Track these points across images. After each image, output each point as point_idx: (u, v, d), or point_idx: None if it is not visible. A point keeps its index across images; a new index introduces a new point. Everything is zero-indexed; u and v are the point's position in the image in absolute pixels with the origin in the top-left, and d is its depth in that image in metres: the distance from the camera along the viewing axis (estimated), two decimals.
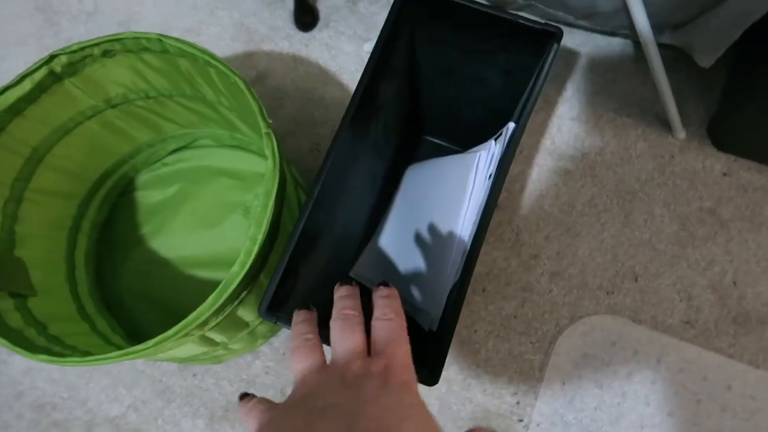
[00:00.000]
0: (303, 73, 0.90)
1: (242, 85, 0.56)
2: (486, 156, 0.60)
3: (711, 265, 0.77)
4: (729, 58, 0.83)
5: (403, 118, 0.76)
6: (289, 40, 0.92)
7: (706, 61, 0.74)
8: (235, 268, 0.52)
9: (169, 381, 0.77)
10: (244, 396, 0.36)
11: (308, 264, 0.57)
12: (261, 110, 0.56)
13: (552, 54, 0.55)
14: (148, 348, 0.50)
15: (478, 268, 0.79)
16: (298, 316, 0.38)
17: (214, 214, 0.82)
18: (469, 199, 0.61)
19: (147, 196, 0.84)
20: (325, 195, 0.54)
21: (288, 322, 0.50)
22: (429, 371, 0.47)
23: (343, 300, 0.36)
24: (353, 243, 0.76)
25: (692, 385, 0.73)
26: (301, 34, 0.92)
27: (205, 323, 0.54)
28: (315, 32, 0.92)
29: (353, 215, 0.70)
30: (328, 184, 0.54)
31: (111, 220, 0.83)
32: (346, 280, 0.37)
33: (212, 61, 0.58)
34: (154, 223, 0.83)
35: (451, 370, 0.76)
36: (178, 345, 0.56)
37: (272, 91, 0.90)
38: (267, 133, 0.55)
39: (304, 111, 0.88)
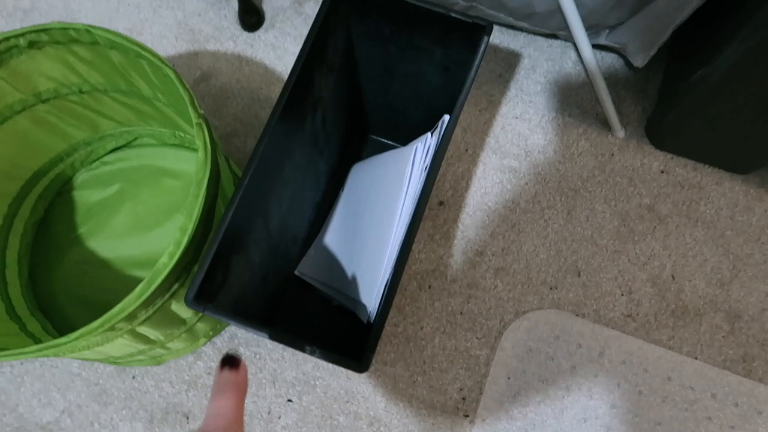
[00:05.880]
0: (248, 73, 0.90)
1: (173, 75, 0.56)
2: (422, 148, 0.60)
3: (650, 260, 0.79)
4: (663, 59, 0.86)
5: (346, 115, 0.76)
6: (234, 41, 0.91)
7: (639, 60, 0.76)
8: (164, 259, 0.51)
9: (107, 384, 0.75)
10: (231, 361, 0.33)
11: (242, 257, 0.56)
12: (192, 100, 0.55)
13: (482, 47, 0.56)
14: (71, 341, 0.49)
15: (424, 265, 0.79)
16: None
17: (155, 214, 0.81)
18: (406, 191, 0.61)
19: (85, 196, 0.82)
20: (256, 186, 0.53)
21: (219, 313, 0.48)
22: (358, 359, 0.46)
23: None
24: (296, 241, 0.75)
25: (634, 377, 0.74)
26: (246, 35, 0.91)
27: (133, 316, 0.52)
28: (260, 33, 0.91)
29: (294, 212, 0.69)
30: (260, 175, 0.53)
31: (47, 220, 0.81)
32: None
33: (143, 52, 0.57)
34: (92, 224, 0.80)
35: (397, 367, 0.75)
36: (106, 340, 0.54)
37: (217, 91, 0.89)
38: (198, 123, 0.54)
39: (250, 111, 0.88)
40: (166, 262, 0.51)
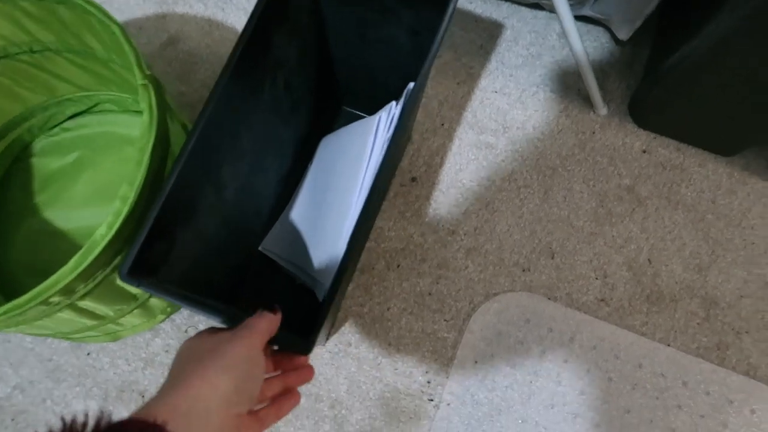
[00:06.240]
0: (218, 37, 0.86)
1: (118, 32, 0.52)
2: (386, 117, 0.57)
3: (627, 243, 0.77)
4: (650, 34, 0.82)
5: (315, 83, 0.72)
6: (204, 3, 0.87)
7: (624, 33, 0.72)
8: (102, 230, 0.48)
9: (60, 360, 0.72)
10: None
11: (190, 228, 0.53)
12: (138, 58, 0.51)
13: (451, 7, 0.52)
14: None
15: (394, 244, 0.76)
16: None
17: (116, 184, 0.77)
18: (368, 162, 0.58)
19: (43, 164, 0.78)
20: (206, 150, 0.50)
21: (156, 289, 0.46)
22: (301, 339, 0.43)
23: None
24: (260, 215, 0.72)
25: (604, 364, 0.72)
26: None
27: (69, 290, 0.49)
28: None
29: (255, 183, 0.66)
30: (210, 139, 0.50)
31: (2, 188, 0.77)
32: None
33: (88, 6, 0.53)
34: (49, 192, 0.77)
35: (361, 349, 0.73)
36: (44, 314, 0.51)
37: (185, 56, 0.85)
38: (143, 85, 0.51)
39: None
40: (104, 233, 0.48)
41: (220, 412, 0.33)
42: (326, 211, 0.64)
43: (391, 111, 0.57)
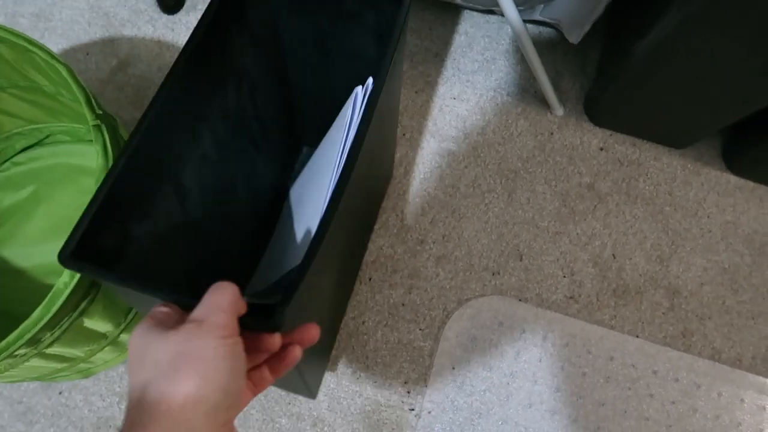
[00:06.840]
0: (170, 59, 0.84)
1: (65, 72, 0.50)
2: (362, 91, 0.55)
3: (591, 240, 0.78)
4: (601, 34, 0.84)
5: (280, 113, 0.70)
6: (153, 24, 0.85)
7: (574, 36, 0.74)
8: (65, 277, 0.47)
9: (31, 401, 0.70)
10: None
11: (146, 227, 0.48)
12: (88, 98, 0.50)
13: None
14: None
15: (364, 257, 0.76)
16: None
17: (74, 217, 0.74)
18: (346, 136, 0.54)
19: None
20: (159, 139, 0.46)
21: (100, 274, 0.41)
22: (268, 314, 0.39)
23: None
24: (233, 241, 0.70)
25: (577, 359, 0.74)
26: (166, 18, 0.85)
27: (35, 341, 0.48)
28: (181, 15, 0.85)
29: (225, 206, 0.64)
30: (166, 125, 0.46)
31: None
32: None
33: (30, 46, 0.51)
34: (5, 229, 0.75)
35: (339, 364, 0.73)
36: (11, 367, 0.50)
37: (136, 81, 0.83)
38: (96, 125, 0.49)
39: None
40: (67, 281, 0.46)
41: (210, 428, 0.29)
42: (302, 210, 0.62)
43: (368, 87, 0.54)
